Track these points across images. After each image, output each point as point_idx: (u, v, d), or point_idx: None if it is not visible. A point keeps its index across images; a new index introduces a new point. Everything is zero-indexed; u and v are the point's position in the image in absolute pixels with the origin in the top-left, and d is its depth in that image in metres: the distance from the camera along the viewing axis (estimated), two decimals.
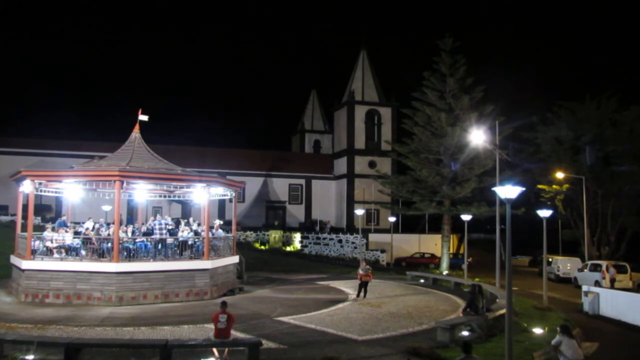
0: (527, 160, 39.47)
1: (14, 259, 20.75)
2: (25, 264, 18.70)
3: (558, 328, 10.65)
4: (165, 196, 27.54)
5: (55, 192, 24.30)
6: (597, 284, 26.12)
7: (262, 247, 42.27)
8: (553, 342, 10.37)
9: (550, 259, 33.59)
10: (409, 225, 47.61)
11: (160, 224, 20.49)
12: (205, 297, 19.79)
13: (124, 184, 20.82)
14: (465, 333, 14.68)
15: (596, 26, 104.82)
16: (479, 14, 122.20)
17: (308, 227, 48.71)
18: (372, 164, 50.51)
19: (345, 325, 15.72)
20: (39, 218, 35.76)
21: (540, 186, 38.01)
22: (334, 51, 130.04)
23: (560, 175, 34.64)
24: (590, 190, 34.95)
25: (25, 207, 22.15)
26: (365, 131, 51.79)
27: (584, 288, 21.65)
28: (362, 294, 21.10)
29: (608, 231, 36.58)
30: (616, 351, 14.98)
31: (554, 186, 37.24)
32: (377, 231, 45.97)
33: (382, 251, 42.11)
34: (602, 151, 36.21)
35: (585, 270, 29.19)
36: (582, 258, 33.17)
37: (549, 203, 34.62)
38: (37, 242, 19.76)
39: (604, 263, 28.48)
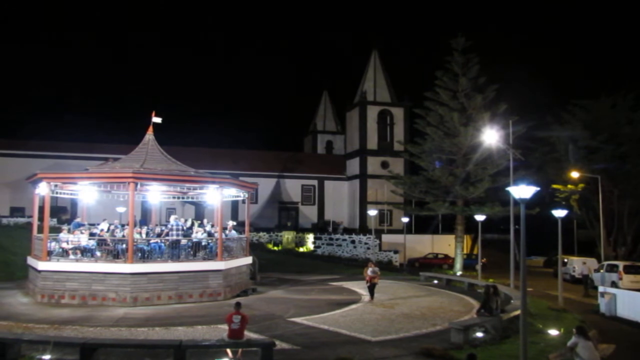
0: (542, 160, 39.10)
1: (30, 260, 21.02)
2: (42, 265, 18.93)
3: (574, 329, 10.52)
4: (178, 197, 27.70)
5: (71, 194, 24.60)
6: (614, 284, 25.79)
7: (275, 248, 42.35)
8: (569, 343, 10.25)
9: (565, 260, 33.22)
10: (422, 225, 47.40)
11: (177, 225, 20.64)
12: (218, 298, 19.86)
13: (138, 186, 20.99)
14: (479, 334, 14.57)
15: (611, 24, 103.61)
16: (492, 13, 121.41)
17: (321, 227, 48.69)
18: (384, 165, 50.36)
19: (359, 326, 15.69)
20: (55, 220, 36.15)
21: (555, 186, 37.62)
22: (346, 52, 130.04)
23: (575, 174, 34.26)
24: (606, 190, 34.52)
25: (41, 209, 22.42)
26: (377, 131, 51.65)
27: (600, 289, 21.38)
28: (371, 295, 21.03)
29: (624, 231, 36.10)
30: (634, 353, 14.77)
31: (569, 186, 36.84)
32: (390, 232, 45.86)
33: (395, 252, 41.95)
34: (618, 150, 35.79)
35: (602, 270, 28.82)
36: (598, 258, 32.77)
37: (563, 203, 34.26)
38: (53, 244, 19.99)
39: (620, 264, 28.11)
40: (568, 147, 37.29)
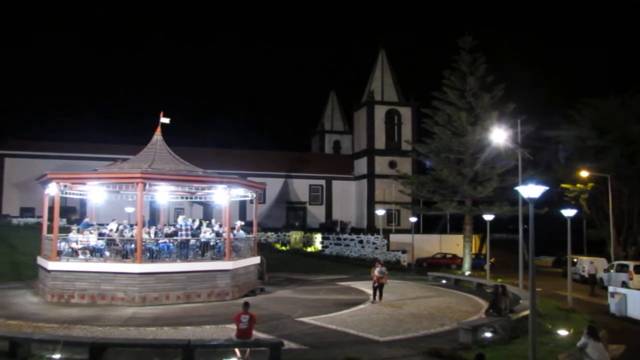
0: (550, 159, 38.87)
1: (40, 260, 21.17)
2: (51, 265, 19.07)
3: (584, 330, 10.45)
4: (187, 197, 27.81)
5: (80, 194, 24.75)
6: (624, 284, 25.59)
7: (283, 247, 42.39)
8: (578, 344, 10.18)
9: (575, 260, 33.00)
10: (430, 225, 47.28)
11: (185, 225, 20.72)
12: (226, 298, 19.91)
13: (147, 186, 21.08)
14: (488, 334, 14.52)
15: (619, 22, 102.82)
16: (499, 12, 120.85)
17: (328, 227, 48.67)
18: (392, 164, 50.28)
19: (366, 326, 15.68)
20: (64, 220, 36.39)
21: (564, 185, 37.39)
22: (353, 51, 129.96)
23: (584, 174, 34.02)
24: (616, 189, 34.23)
25: (50, 209, 22.58)
26: (385, 131, 51.61)
27: (610, 289, 21.21)
28: (378, 296, 20.88)
29: (635, 231, 35.79)
30: None
31: (578, 185, 36.59)
32: (398, 231, 45.77)
33: (403, 252, 41.86)
34: (627, 149, 35.50)
35: (612, 270, 28.62)
36: (608, 258, 32.52)
37: (573, 202, 34.05)
38: (62, 244, 20.13)
39: (630, 263, 27.89)
40: (577, 146, 37.09)
